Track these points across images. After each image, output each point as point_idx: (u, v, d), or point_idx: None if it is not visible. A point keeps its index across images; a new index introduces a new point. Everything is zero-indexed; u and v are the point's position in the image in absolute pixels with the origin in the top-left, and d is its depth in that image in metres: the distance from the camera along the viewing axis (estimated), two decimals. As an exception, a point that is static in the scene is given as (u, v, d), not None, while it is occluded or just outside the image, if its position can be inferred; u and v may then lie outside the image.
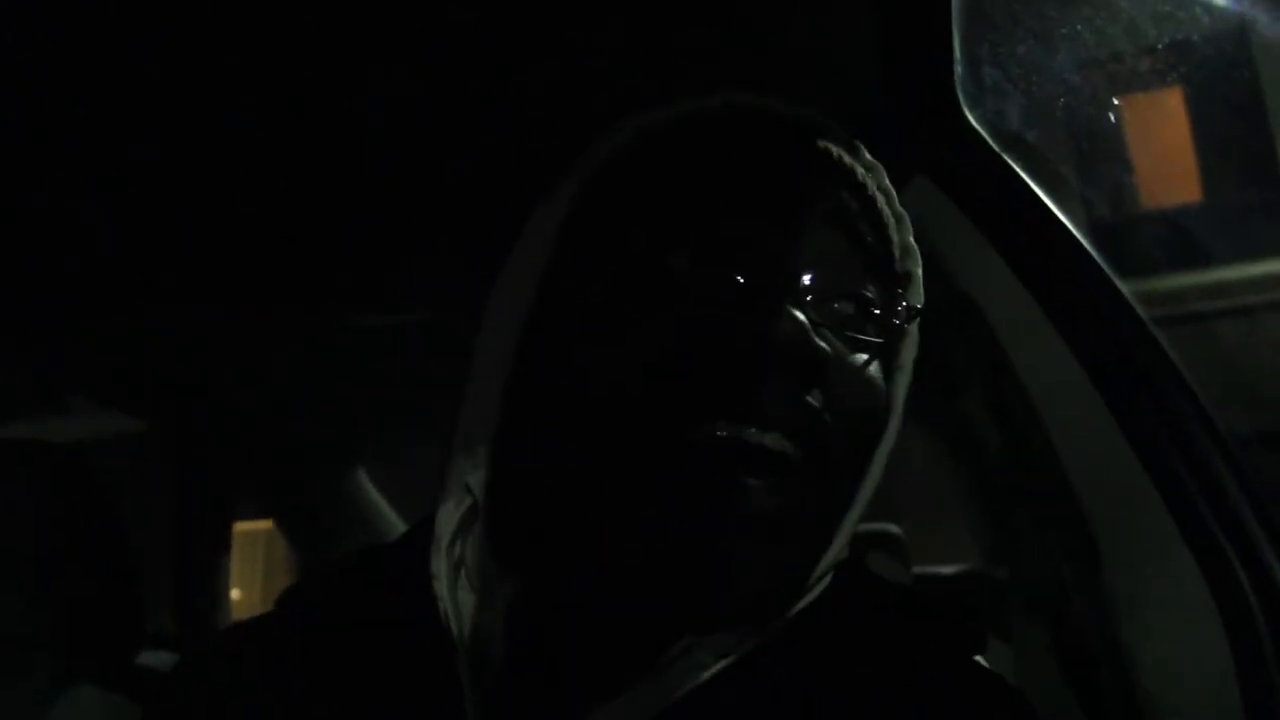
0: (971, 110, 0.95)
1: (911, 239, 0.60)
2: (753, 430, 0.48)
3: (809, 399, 0.50)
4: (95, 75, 0.85)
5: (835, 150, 0.58)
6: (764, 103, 0.60)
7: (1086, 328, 0.89)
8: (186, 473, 1.79)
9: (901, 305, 0.56)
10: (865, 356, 0.54)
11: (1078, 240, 0.92)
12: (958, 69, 0.91)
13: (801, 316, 0.49)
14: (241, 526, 2.06)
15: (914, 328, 0.59)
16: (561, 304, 0.56)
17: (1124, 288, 0.90)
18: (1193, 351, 0.96)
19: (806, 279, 0.52)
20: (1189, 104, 4.79)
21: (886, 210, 0.59)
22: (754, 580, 0.49)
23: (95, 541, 1.06)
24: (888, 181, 0.60)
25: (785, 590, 0.54)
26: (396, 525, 2.19)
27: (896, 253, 0.59)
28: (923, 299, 0.59)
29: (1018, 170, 0.95)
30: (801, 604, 0.55)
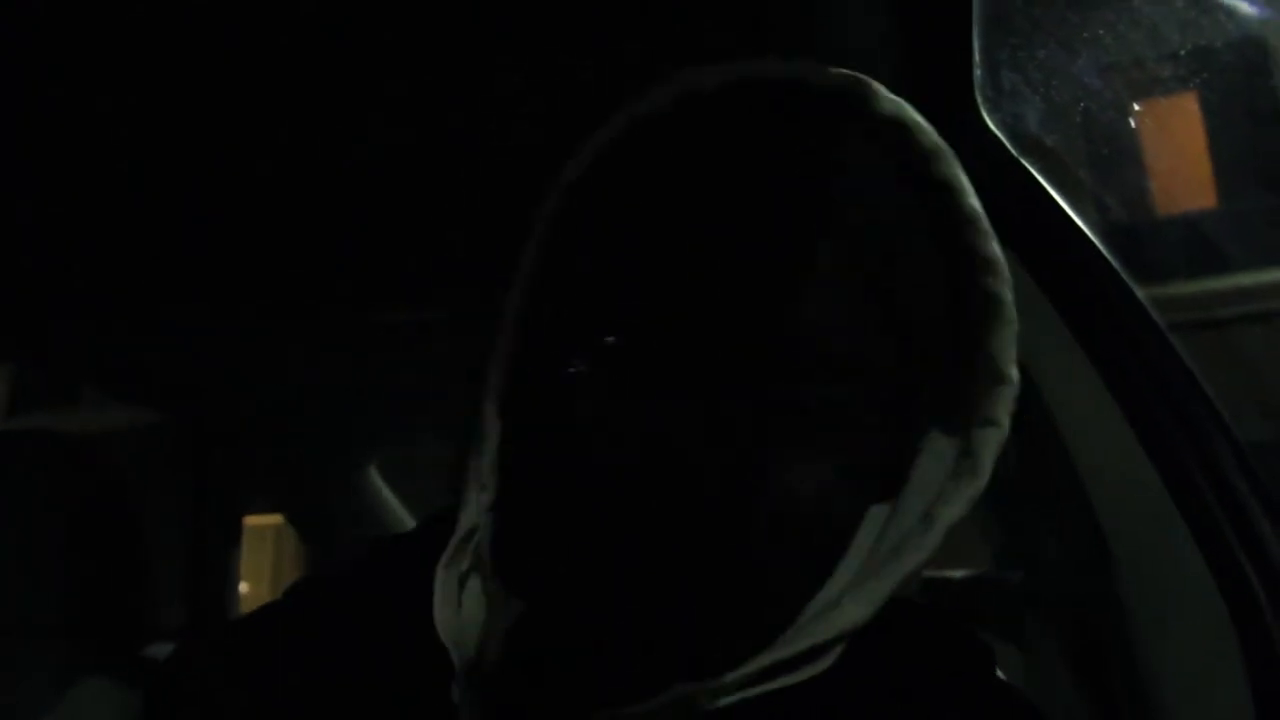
0: (990, 114, 0.95)
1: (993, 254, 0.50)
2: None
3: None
4: (109, 75, 0.86)
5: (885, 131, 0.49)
6: (791, 71, 0.50)
7: (1103, 332, 0.89)
8: (199, 466, 1.80)
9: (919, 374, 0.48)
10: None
11: (1095, 245, 0.91)
12: (977, 72, 0.91)
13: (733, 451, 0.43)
14: (252, 520, 2.07)
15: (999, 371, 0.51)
16: (536, 338, 0.52)
17: (1140, 293, 0.90)
18: (1208, 357, 0.96)
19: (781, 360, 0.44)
20: (1205, 109, 4.76)
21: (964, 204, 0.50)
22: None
23: (105, 533, 1.06)
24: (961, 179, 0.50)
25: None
26: (406, 520, 2.19)
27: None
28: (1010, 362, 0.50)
29: (1036, 175, 0.95)
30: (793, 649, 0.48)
